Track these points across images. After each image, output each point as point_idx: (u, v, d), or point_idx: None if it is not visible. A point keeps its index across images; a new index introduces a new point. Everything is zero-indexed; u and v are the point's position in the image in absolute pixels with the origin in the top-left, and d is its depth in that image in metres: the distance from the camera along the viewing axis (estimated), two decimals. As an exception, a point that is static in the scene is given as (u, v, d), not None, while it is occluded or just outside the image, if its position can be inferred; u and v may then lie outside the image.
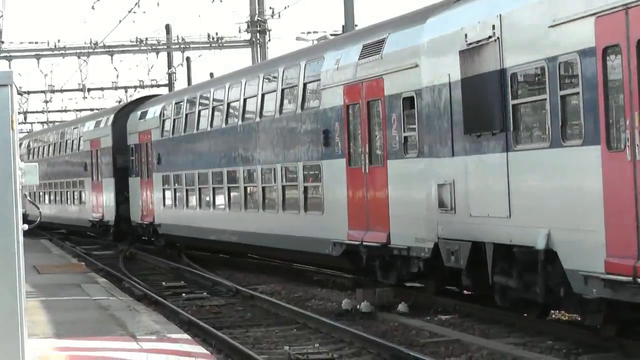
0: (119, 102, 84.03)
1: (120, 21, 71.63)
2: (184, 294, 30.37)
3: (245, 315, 25.93)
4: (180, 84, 77.66)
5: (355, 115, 27.33)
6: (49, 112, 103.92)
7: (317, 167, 29.83)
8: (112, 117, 52.58)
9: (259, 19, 59.23)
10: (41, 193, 66.97)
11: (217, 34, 67.82)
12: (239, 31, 64.02)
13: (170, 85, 79.81)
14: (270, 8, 59.48)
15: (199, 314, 25.67)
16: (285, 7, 76.56)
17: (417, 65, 23.61)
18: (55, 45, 69.29)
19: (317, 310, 25.52)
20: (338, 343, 20.85)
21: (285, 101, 32.65)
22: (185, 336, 19.79)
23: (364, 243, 26.36)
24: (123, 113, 52.23)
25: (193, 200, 41.47)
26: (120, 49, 70.58)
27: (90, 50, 69.46)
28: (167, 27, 74.98)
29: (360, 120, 26.88)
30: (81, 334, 19.30)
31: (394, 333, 21.78)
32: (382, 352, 19.10)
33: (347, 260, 28.57)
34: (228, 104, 37.40)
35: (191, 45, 70.76)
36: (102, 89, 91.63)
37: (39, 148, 69.16)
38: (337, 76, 28.09)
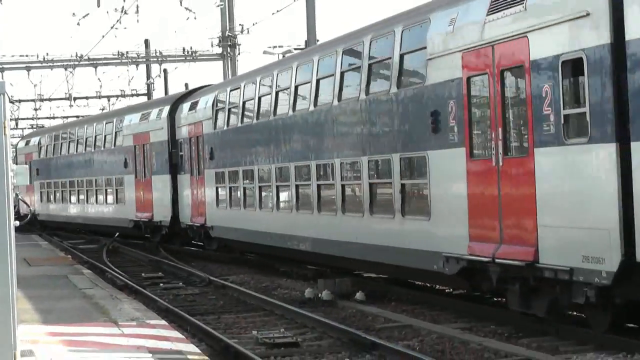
0: (102, 109, 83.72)
1: (103, 36, 71.91)
2: (161, 284, 30.27)
3: (217, 303, 25.89)
4: (158, 93, 77.61)
5: (481, 90, 19.61)
6: (38, 119, 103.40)
7: (421, 160, 22.05)
8: (167, 108, 43.54)
9: (230, 34, 59.17)
10: (58, 192, 59.12)
11: (191, 48, 67.88)
12: (212, 45, 64.04)
13: (149, 94, 79.78)
14: (240, 25, 59.49)
15: (175, 302, 25.61)
16: (253, 24, 77.31)
17: (588, 14, 16.03)
18: (44, 58, 68.92)
19: (283, 298, 25.50)
20: (301, 328, 20.85)
21: (373, 79, 24.74)
22: (163, 322, 19.76)
23: (497, 260, 18.54)
24: (175, 106, 43.04)
25: (252, 200, 33.53)
26: (103, 61, 70.45)
27: (76, 63, 69.20)
28: (146, 42, 75.00)
29: (490, 95, 18.96)
30: (68, 320, 19.24)
31: (352, 319, 21.80)
32: (342, 336, 19.11)
33: (466, 280, 20.92)
34: (296, 87, 29.41)
35: (168, 58, 70.93)
36: (87, 97, 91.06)
37: (54, 145, 60.64)
38: (453, 41, 20.23)
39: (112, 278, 30.86)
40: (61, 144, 58.06)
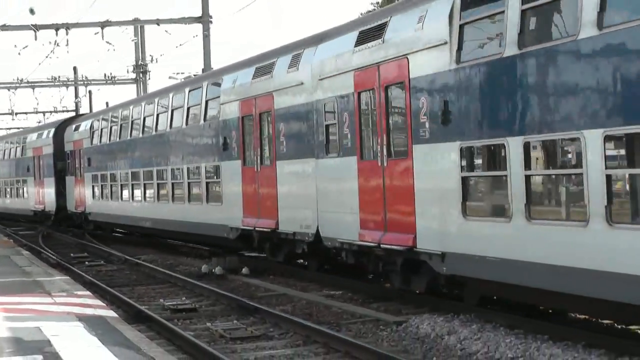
0: (39, 122, 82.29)
1: (39, 63, 70.62)
2: (86, 262, 29.89)
3: (131, 277, 25.68)
4: (85, 109, 76.61)
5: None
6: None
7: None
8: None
9: (142, 63, 58.75)
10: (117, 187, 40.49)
11: (111, 73, 67.36)
12: (127, 72, 63.56)
13: (76, 110, 78.77)
14: (150, 55, 59.27)
15: (98, 276, 25.32)
16: (160, 55, 76.68)
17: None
18: (-9, 81, 67.99)
19: (184, 273, 25.36)
20: (199, 297, 20.77)
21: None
22: (88, 293, 19.55)
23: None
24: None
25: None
26: (40, 84, 69.57)
27: (17, 85, 68.09)
28: (74, 69, 74.11)
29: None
30: (10, 292, 18.89)
31: (239, 289, 21.77)
32: (231, 302, 19.08)
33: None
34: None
35: (92, 82, 70.45)
36: (26, 113, 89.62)
37: (112, 128, 40.09)
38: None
39: (46, 258, 30.39)
40: (121, 125, 37.18)
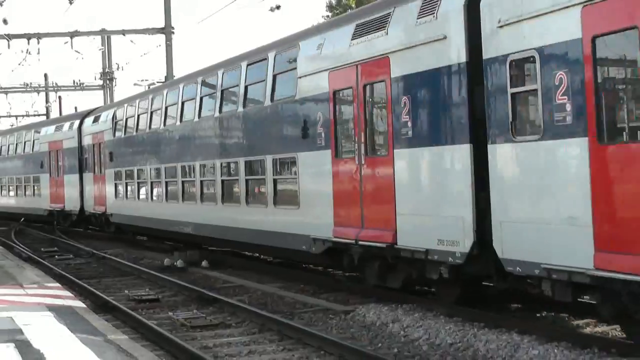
0: (12, 126, 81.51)
1: (12, 70, 70.34)
2: (56, 256, 29.54)
3: (98, 270, 25.46)
4: (55, 114, 75.96)
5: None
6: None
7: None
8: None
9: (108, 70, 58.53)
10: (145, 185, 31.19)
11: (80, 80, 66.97)
12: (95, 79, 63.21)
13: (47, 115, 78.17)
14: (116, 63, 59.11)
15: (67, 269, 25.07)
16: (126, 63, 76.36)
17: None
18: (-34, 87, 67.32)
19: (148, 266, 25.23)
20: (162, 288, 20.65)
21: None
22: (58, 284, 19.38)
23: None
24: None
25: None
26: (12, 90, 68.98)
27: (-9, 90, 67.67)
28: (45, 75, 73.67)
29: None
30: (-16, 284, 18.70)
31: (199, 281, 21.69)
32: (192, 293, 18.99)
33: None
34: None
35: (62, 88, 69.97)
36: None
37: (139, 117, 31.86)
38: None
39: (18, 252, 30.05)
40: (151, 113, 29.43)
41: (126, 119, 31.90)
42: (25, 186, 46.67)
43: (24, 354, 10.76)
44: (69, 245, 33.41)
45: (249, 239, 21.70)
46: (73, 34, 43.65)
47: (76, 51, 49.37)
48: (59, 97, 76.59)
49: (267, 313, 15.62)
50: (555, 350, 11.61)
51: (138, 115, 30.48)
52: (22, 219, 45.70)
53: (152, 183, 28.95)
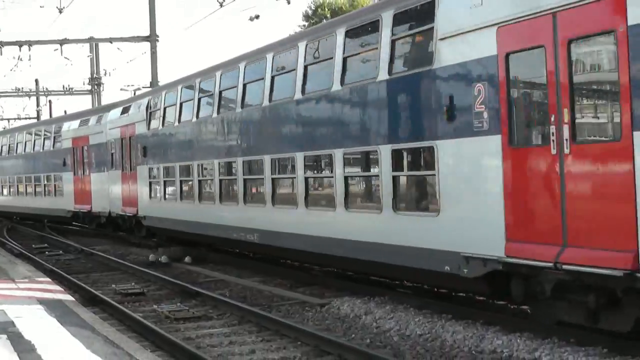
0: (4, 128, 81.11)
1: (4, 76, 69.78)
2: (46, 252, 29.33)
3: (87, 265, 25.32)
4: (45, 117, 75.66)
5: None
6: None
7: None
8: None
9: (96, 76, 58.31)
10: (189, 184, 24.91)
11: (69, 85, 66.62)
12: (83, 84, 63.05)
13: (38, 118, 77.80)
14: (104, 69, 58.87)
15: (57, 264, 24.92)
16: (113, 69, 76.07)
17: None
18: (-40, 91, 66.89)
19: (134, 261, 25.12)
20: (147, 282, 20.57)
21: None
22: (48, 279, 19.28)
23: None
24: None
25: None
26: (4, 94, 68.54)
27: (-16, 95, 67.33)
28: (36, 81, 73.45)
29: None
30: (-23, 279, 18.60)
31: (182, 275, 21.62)
32: (175, 287, 18.93)
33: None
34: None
35: (52, 93, 69.61)
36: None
37: (181, 104, 25.24)
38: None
39: (10, 248, 29.87)
40: (199, 100, 23.49)
41: (164, 108, 25.98)
42: (45, 185, 41.12)
43: (16, 344, 10.71)
44: (59, 241, 33.23)
45: (353, 253, 15.75)
46: (63, 42, 43.51)
47: (65, 58, 49.36)
48: (49, 102, 76.42)
49: (246, 306, 15.60)
50: (518, 340, 11.69)
51: (181, 103, 24.58)
52: (46, 220, 41.79)
53: (200, 182, 23.24)
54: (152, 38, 41.84)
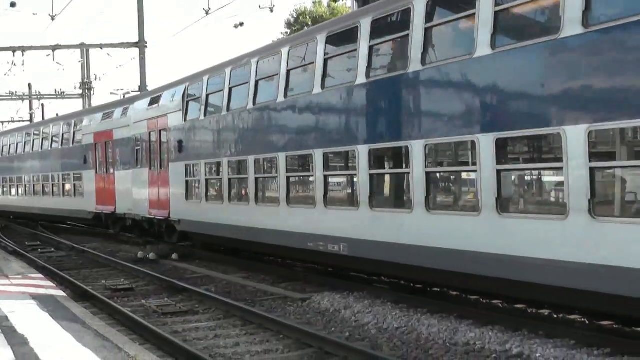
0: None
1: (-1, 80, 69.09)
2: (39, 250, 29.19)
3: (78, 262, 25.22)
4: (38, 119, 75.38)
5: None
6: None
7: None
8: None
9: (87, 80, 58.07)
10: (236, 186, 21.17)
11: (61, 89, 66.62)
12: (75, 88, 62.83)
13: (31, 121, 77.48)
14: (94, 74, 58.69)
15: (49, 261, 24.81)
16: (103, 74, 75.86)
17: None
18: (-43, 95, 66.51)
19: (123, 258, 25.03)
20: (136, 278, 20.51)
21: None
22: (40, 275, 19.19)
23: None
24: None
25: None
26: (-1, 98, 68.49)
27: (-21, 98, 66.96)
28: (29, 85, 73.26)
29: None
30: (-27, 275, 18.48)
31: (170, 272, 21.56)
32: (163, 283, 18.89)
33: None
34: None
35: (44, 97, 69.45)
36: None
37: (230, 92, 20.71)
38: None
39: (4, 246, 29.71)
40: (257, 83, 19.23)
41: (207, 96, 21.74)
42: (63, 185, 36.86)
43: (10, 338, 10.66)
44: (51, 239, 33.07)
45: (506, 273, 11.50)
46: (55, 47, 43.36)
47: (58, 63, 49.42)
48: (42, 105, 76.07)
49: (231, 301, 15.58)
50: (490, 333, 11.73)
51: (230, 89, 20.36)
52: (67, 222, 38.62)
53: (257, 180, 19.03)
54: (140, 44, 41.72)
